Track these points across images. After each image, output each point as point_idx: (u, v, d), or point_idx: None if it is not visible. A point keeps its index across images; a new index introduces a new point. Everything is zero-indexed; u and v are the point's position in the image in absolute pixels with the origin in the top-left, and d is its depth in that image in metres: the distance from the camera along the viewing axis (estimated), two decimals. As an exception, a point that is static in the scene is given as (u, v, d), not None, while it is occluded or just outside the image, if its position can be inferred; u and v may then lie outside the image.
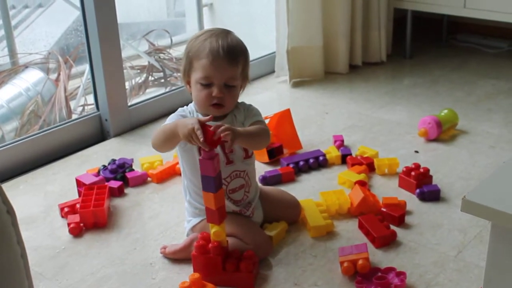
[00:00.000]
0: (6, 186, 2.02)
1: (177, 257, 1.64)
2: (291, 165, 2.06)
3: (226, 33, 1.61)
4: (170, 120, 1.63)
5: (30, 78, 2.79)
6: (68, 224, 1.79)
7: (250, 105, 1.69)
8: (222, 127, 1.46)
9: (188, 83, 1.63)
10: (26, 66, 2.84)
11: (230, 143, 1.47)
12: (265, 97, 2.77)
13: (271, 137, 2.13)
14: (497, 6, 2.85)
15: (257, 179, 1.78)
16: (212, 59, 1.55)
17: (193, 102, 1.66)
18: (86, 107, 2.83)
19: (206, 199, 1.50)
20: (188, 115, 1.63)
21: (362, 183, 1.90)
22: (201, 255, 1.54)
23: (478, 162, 2.12)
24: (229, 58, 1.56)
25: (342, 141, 2.24)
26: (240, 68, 1.60)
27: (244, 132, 1.54)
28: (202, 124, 1.46)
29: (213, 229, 1.52)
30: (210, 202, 1.49)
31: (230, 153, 1.62)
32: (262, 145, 1.65)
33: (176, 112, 1.66)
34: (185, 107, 1.68)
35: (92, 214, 1.79)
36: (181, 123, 1.50)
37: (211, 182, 1.47)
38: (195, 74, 1.58)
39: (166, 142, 1.58)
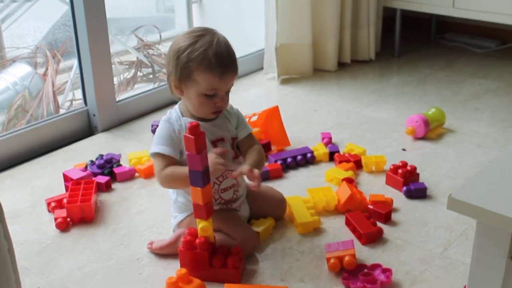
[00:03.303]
0: (-8, 180, 2.02)
1: (164, 253, 1.65)
2: (278, 162, 2.07)
3: (217, 37, 1.57)
4: (161, 137, 1.60)
5: (18, 73, 2.78)
6: (55, 219, 1.78)
7: (237, 110, 1.71)
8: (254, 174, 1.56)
9: (178, 88, 1.60)
10: (13, 60, 2.83)
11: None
12: (253, 93, 2.77)
13: (259, 134, 2.15)
14: (485, 6, 2.86)
15: (245, 177, 1.78)
16: (220, 73, 1.53)
17: (179, 104, 1.65)
18: (74, 102, 2.82)
19: (194, 194, 1.50)
20: (174, 123, 1.61)
21: (349, 180, 1.91)
22: (188, 251, 1.54)
23: (465, 161, 2.13)
24: (233, 68, 1.57)
25: (330, 138, 2.24)
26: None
27: (259, 166, 1.64)
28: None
29: (200, 225, 1.53)
30: (197, 197, 1.49)
31: (223, 154, 1.61)
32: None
33: (162, 124, 1.62)
34: (171, 111, 1.65)
35: (79, 209, 1.79)
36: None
37: (199, 177, 1.47)
38: (197, 86, 1.55)
39: (183, 183, 1.56)
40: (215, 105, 1.58)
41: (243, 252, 1.58)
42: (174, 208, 1.70)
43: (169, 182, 1.60)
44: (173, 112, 1.65)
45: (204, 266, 1.53)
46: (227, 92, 1.60)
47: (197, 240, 1.54)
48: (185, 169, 1.52)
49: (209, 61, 1.53)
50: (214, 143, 1.62)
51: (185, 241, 1.54)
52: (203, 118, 1.61)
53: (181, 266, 1.55)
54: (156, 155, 1.60)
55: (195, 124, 1.44)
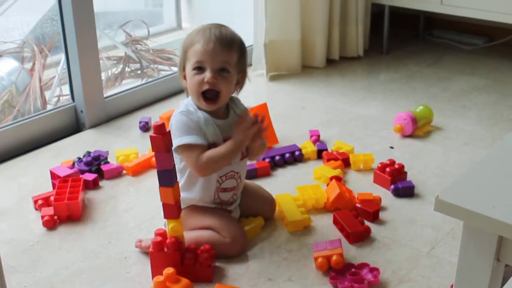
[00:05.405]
0: (-22, 177, 2.00)
1: (152, 251, 1.64)
2: (267, 160, 2.07)
3: (220, 25, 1.60)
4: (186, 128, 1.56)
5: (4, 67, 2.75)
6: (42, 217, 1.77)
7: (246, 109, 1.69)
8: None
9: (185, 77, 1.61)
10: (0, 55, 2.80)
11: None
12: (242, 90, 2.76)
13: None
14: (473, 4, 2.87)
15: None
16: (203, 42, 1.54)
17: (191, 99, 1.63)
18: (61, 98, 2.80)
19: (164, 195, 1.48)
20: (193, 115, 1.58)
21: (337, 179, 1.91)
22: (158, 252, 1.52)
23: (452, 159, 2.14)
24: (221, 42, 1.55)
25: (318, 136, 2.25)
26: (235, 56, 1.58)
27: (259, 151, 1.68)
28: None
29: (170, 225, 1.51)
30: (168, 197, 1.48)
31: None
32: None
33: (181, 116, 1.58)
34: (186, 104, 1.61)
35: (66, 207, 1.78)
36: (237, 145, 1.55)
37: (169, 176, 1.46)
38: (189, 63, 1.57)
39: (225, 162, 1.58)
40: (204, 81, 1.54)
41: (232, 251, 1.59)
42: None
43: (211, 166, 1.55)
44: (189, 106, 1.61)
45: (175, 266, 1.50)
46: (223, 73, 1.56)
47: (168, 241, 1.52)
48: (219, 149, 1.55)
49: (198, 36, 1.56)
50: (225, 141, 1.60)
51: (155, 242, 1.52)
52: (217, 117, 1.61)
53: (152, 267, 1.53)
54: (186, 147, 1.55)
55: (160, 123, 1.43)
